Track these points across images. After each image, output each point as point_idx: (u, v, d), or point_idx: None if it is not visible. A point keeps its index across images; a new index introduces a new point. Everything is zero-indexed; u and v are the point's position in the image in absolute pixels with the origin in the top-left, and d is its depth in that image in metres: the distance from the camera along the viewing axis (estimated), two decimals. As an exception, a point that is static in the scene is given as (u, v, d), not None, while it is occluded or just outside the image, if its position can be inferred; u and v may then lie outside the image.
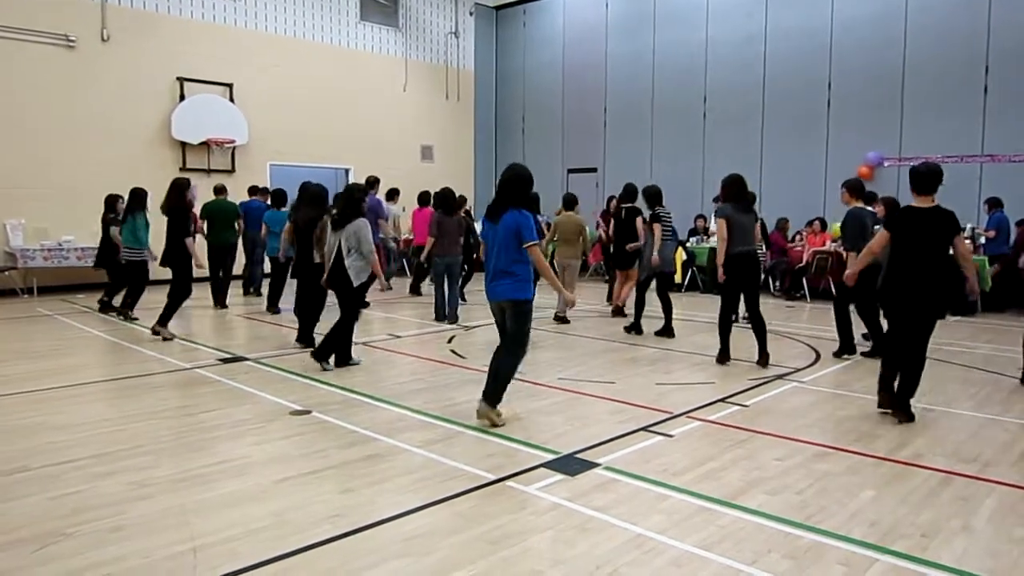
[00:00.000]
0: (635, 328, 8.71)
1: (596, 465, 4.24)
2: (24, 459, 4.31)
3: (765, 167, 13.98)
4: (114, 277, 10.33)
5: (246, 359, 7.19)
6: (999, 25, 11.61)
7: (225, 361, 7.11)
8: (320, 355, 6.76)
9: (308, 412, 5.32)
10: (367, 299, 9.61)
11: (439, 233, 9.52)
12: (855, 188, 7.26)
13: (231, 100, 14.47)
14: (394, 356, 7.54)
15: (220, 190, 11.65)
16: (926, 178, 5.15)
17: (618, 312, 10.11)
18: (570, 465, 4.24)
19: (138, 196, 9.36)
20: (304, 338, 7.84)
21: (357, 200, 6.79)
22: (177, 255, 8.31)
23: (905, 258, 5.17)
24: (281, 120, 15.14)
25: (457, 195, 9.88)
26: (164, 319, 8.28)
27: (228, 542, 3.24)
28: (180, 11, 13.88)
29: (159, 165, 13.56)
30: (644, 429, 4.96)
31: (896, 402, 5.24)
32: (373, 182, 11.28)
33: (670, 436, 4.83)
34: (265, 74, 14.96)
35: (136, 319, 9.44)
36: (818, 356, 7.54)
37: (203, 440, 4.70)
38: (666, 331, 8.60)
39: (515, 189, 4.95)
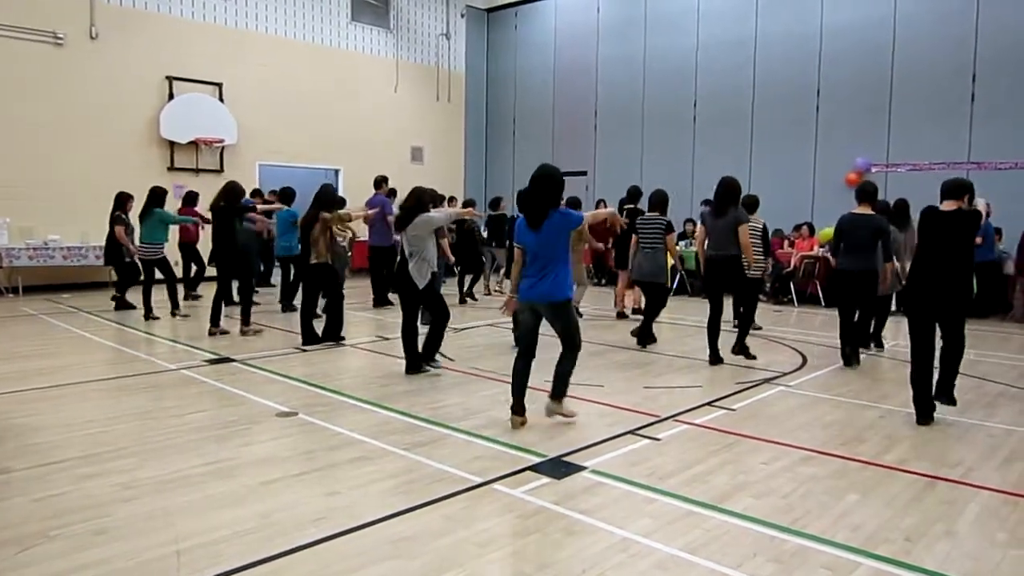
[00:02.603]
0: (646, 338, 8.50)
1: (583, 468, 4.24)
2: (7, 460, 4.27)
3: (754, 172, 14.04)
4: (122, 274, 10.55)
5: (233, 360, 7.16)
6: (986, 33, 11.72)
7: (212, 362, 7.08)
8: (425, 359, 6.76)
9: (295, 414, 5.31)
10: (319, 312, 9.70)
11: None
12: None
13: (220, 99, 14.41)
14: (381, 358, 7.53)
15: None
16: (952, 187, 5.48)
17: (622, 316, 10.10)
18: (557, 468, 4.24)
19: (158, 194, 9.64)
20: (308, 339, 8.01)
21: (420, 201, 6.68)
22: (230, 255, 8.57)
23: (928, 258, 5.42)
24: (271, 120, 15.09)
25: (493, 197, 9.53)
26: (246, 318, 8.64)
27: (213, 544, 3.23)
28: (169, 9, 13.82)
29: (147, 164, 13.50)
30: (631, 432, 4.97)
31: (938, 394, 5.44)
32: (381, 181, 11.43)
33: (657, 440, 4.84)
34: (255, 74, 14.91)
35: (187, 315, 9.84)
36: (805, 360, 7.58)
37: (189, 442, 4.67)
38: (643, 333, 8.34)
39: (550, 190, 4.94)
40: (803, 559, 3.18)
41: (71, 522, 3.43)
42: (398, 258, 6.80)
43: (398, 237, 11.20)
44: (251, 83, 14.83)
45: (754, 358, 7.40)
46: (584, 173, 16.83)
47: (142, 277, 9.97)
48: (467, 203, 12.53)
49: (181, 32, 13.94)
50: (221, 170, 14.42)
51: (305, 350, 7.78)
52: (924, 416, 5.36)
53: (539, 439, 4.79)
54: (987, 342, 8.80)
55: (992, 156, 11.63)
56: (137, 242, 10.04)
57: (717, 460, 4.45)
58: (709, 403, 5.79)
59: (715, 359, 7.27)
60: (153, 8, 13.63)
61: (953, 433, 5.14)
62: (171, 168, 13.84)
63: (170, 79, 13.78)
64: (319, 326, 8.21)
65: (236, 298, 9.47)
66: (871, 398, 6.07)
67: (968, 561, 3.20)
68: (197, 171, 14.10)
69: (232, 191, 8.66)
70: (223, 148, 14.47)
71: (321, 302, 8.34)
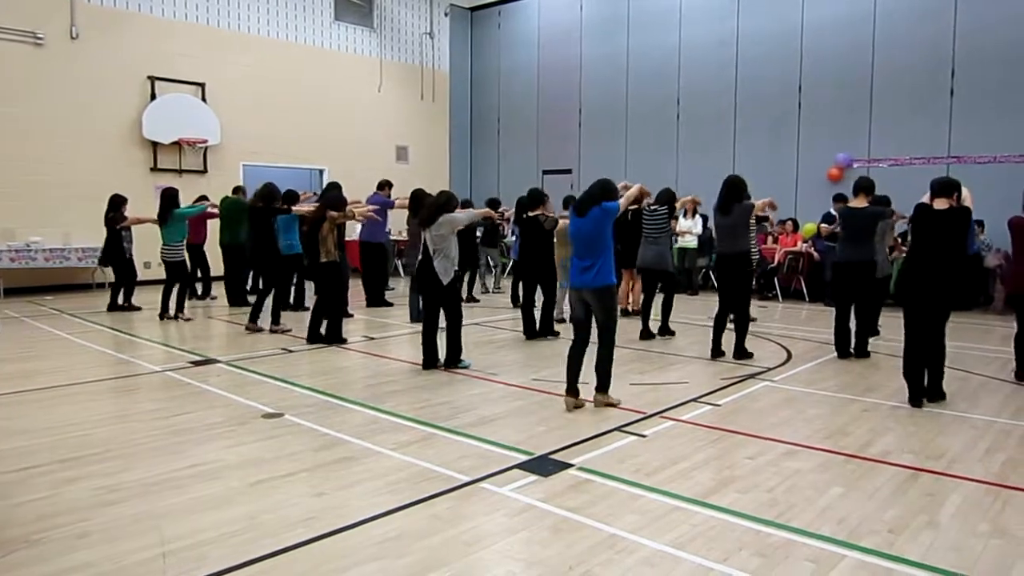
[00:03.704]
0: (665, 331, 8.69)
1: (570, 466, 4.26)
2: (-11, 465, 4.24)
3: (738, 168, 14.04)
4: (120, 275, 10.63)
5: (218, 362, 7.12)
6: (964, 30, 11.83)
7: (197, 364, 7.04)
8: (451, 364, 6.90)
9: (281, 415, 5.29)
10: (351, 311, 9.72)
11: (409, 234, 9.68)
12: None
13: (203, 99, 14.31)
14: (368, 358, 7.51)
15: (237, 190, 11.74)
16: (941, 185, 5.89)
17: (626, 313, 10.14)
18: (544, 466, 4.25)
19: (172, 196, 9.82)
20: (314, 338, 8.07)
21: (448, 201, 6.94)
22: (267, 256, 8.87)
23: (921, 254, 5.74)
24: (255, 120, 15.01)
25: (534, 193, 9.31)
26: (276, 318, 8.84)
27: (199, 546, 3.21)
28: (151, 8, 13.71)
29: (130, 165, 13.40)
30: (618, 429, 4.99)
31: (928, 392, 5.72)
32: (385, 184, 11.53)
33: (643, 436, 4.86)
34: (238, 73, 14.82)
35: (190, 319, 9.91)
36: (789, 355, 7.64)
37: (174, 444, 4.64)
38: (650, 332, 8.61)
39: (598, 191, 5.47)
40: (788, 552, 3.20)
41: (54, 526, 3.41)
42: (419, 256, 6.96)
43: (392, 235, 11.44)
44: (234, 83, 14.74)
45: (750, 356, 7.43)
46: (569, 171, 16.84)
47: (133, 279, 10.40)
48: (491, 202, 12.32)
49: (163, 31, 13.83)
50: (205, 170, 14.34)
51: (291, 351, 7.75)
52: (915, 399, 5.65)
53: (526, 437, 4.80)
54: (969, 334, 8.89)
55: (971, 150, 11.74)
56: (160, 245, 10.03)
57: (703, 456, 4.48)
58: (695, 399, 5.82)
59: (716, 352, 7.42)
60: (134, 7, 13.51)
61: (936, 425, 5.19)
62: (154, 169, 13.74)
63: (152, 79, 13.68)
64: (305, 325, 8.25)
65: (252, 297, 9.84)
66: (855, 392, 6.12)
67: (951, 552, 3.23)
68: (180, 171, 14.00)
69: (270, 193, 8.97)
70: (206, 148, 14.38)
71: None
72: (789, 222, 12.80)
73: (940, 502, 3.79)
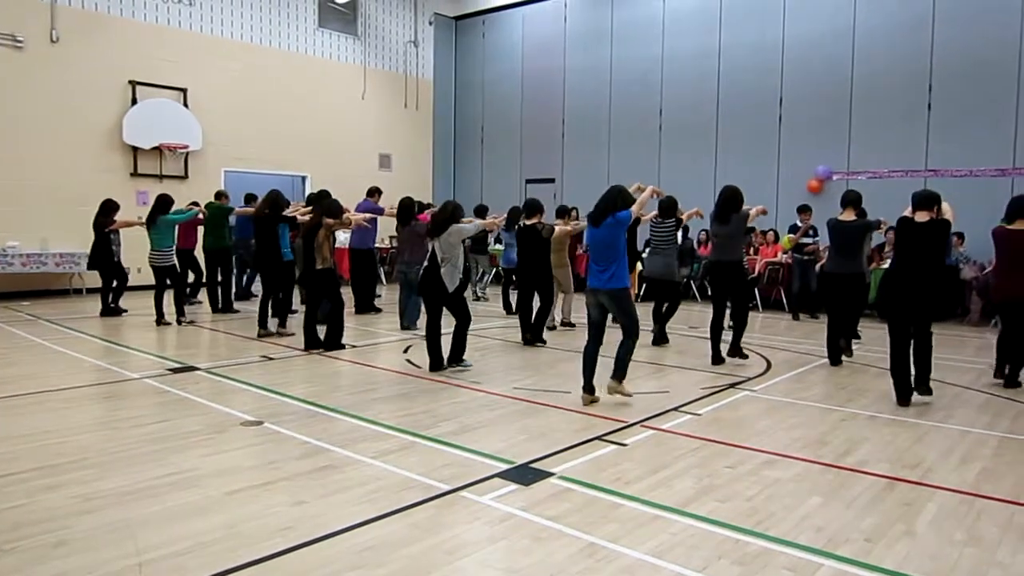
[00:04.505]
0: (661, 339, 8.84)
1: (550, 475, 4.26)
2: (-38, 473, 4.17)
3: (719, 180, 14.17)
4: (108, 278, 10.55)
5: (197, 369, 7.06)
6: (942, 46, 12.03)
7: (175, 371, 6.98)
8: (453, 361, 7.18)
9: (260, 423, 5.25)
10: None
11: (399, 242, 9.90)
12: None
13: (185, 105, 14.23)
14: (349, 366, 7.48)
15: (220, 195, 11.64)
16: (922, 198, 6.14)
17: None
18: (524, 475, 4.25)
19: (164, 202, 9.86)
20: (311, 343, 8.12)
21: (454, 212, 7.19)
22: (273, 262, 9.05)
23: (904, 266, 6.04)
24: (237, 126, 14.94)
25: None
26: (283, 320, 9.09)
27: (176, 556, 3.18)
28: (132, 13, 13.63)
29: (109, 170, 13.29)
30: (599, 438, 5.00)
31: (917, 385, 6.10)
32: (375, 191, 11.77)
33: (624, 445, 4.88)
34: (220, 79, 14.76)
35: (192, 322, 9.94)
36: (769, 365, 7.69)
37: (151, 452, 4.59)
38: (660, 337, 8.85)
39: (612, 199, 5.80)
40: (766, 561, 3.22)
41: (29, 535, 3.36)
42: (426, 263, 7.24)
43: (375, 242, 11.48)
44: (216, 88, 14.67)
45: (746, 357, 7.76)
46: (552, 180, 16.91)
47: (124, 282, 10.43)
48: (478, 210, 12.15)
49: (144, 36, 13.75)
50: (186, 176, 14.25)
51: (272, 358, 7.70)
52: (903, 399, 6.01)
53: (507, 446, 4.80)
54: (945, 345, 8.95)
55: (948, 164, 11.92)
56: (148, 251, 10.00)
57: (683, 464, 4.50)
58: (675, 408, 5.84)
59: (717, 359, 7.66)
60: (116, 12, 13.43)
61: (912, 435, 5.25)
62: (134, 174, 13.64)
63: (133, 83, 13.59)
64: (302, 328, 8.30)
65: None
66: (833, 402, 6.18)
67: (927, 560, 3.27)
68: (161, 177, 13.90)
69: (276, 201, 9.11)
70: (187, 154, 14.29)
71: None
72: (770, 232, 12.92)
73: (917, 511, 3.83)
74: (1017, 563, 3.25)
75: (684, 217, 9.13)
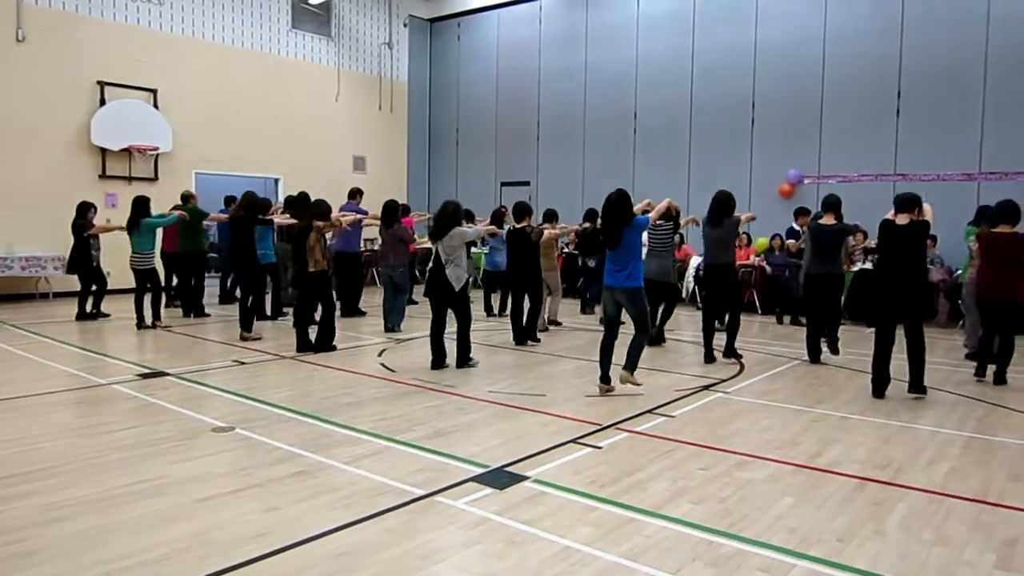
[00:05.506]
0: (659, 339, 8.98)
1: (525, 478, 4.26)
2: (-76, 482, 4.07)
3: (692, 183, 14.33)
4: (87, 283, 10.44)
5: (167, 374, 6.96)
6: (910, 52, 12.22)
7: (144, 376, 6.87)
8: (460, 363, 7.40)
9: (231, 429, 5.19)
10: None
11: (382, 244, 10.19)
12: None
13: (155, 106, 14.02)
14: (321, 370, 7.42)
15: (188, 197, 11.40)
16: (903, 200, 6.40)
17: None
18: (499, 479, 4.25)
19: (142, 204, 9.81)
20: (303, 346, 8.14)
21: (456, 215, 7.44)
22: (248, 264, 9.05)
23: (888, 267, 6.35)
24: (208, 128, 14.75)
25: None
26: (247, 325, 8.95)
27: (146, 565, 3.13)
28: (102, 12, 13.41)
29: (77, 172, 13.07)
30: (573, 441, 5.01)
31: (912, 386, 6.38)
32: (356, 192, 11.83)
33: (598, 448, 4.89)
34: (191, 80, 14.56)
35: (168, 327, 9.82)
36: (742, 367, 7.76)
37: (120, 459, 4.52)
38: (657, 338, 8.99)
39: (621, 211, 6.15)
40: (740, 562, 3.25)
41: (-7, 546, 3.29)
42: (431, 264, 7.44)
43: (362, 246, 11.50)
44: (187, 89, 14.47)
45: (740, 357, 8.04)
46: (527, 183, 16.92)
47: (103, 286, 10.46)
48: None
49: (113, 36, 13.52)
50: (155, 178, 14.05)
51: (244, 363, 7.62)
52: (878, 391, 6.38)
53: (481, 450, 4.79)
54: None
55: (916, 168, 12.11)
56: (129, 253, 9.88)
57: (657, 467, 4.52)
58: (650, 411, 5.87)
59: (710, 358, 7.93)
60: (84, 11, 13.20)
61: (882, 435, 5.32)
62: (103, 176, 13.41)
63: (102, 84, 13.36)
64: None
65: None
66: (804, 403, 6.25)
67: (897, 560, 3.31)
68: (130, 179, 13.69)
69: (251, 202, 9.11)
70: (157, 156, 14.08)
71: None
72: (744, 235, 13.03)
73: (887, 511, 3.88)
74: (984, 562, 3.31)
75: (682, 223, 9.25)
